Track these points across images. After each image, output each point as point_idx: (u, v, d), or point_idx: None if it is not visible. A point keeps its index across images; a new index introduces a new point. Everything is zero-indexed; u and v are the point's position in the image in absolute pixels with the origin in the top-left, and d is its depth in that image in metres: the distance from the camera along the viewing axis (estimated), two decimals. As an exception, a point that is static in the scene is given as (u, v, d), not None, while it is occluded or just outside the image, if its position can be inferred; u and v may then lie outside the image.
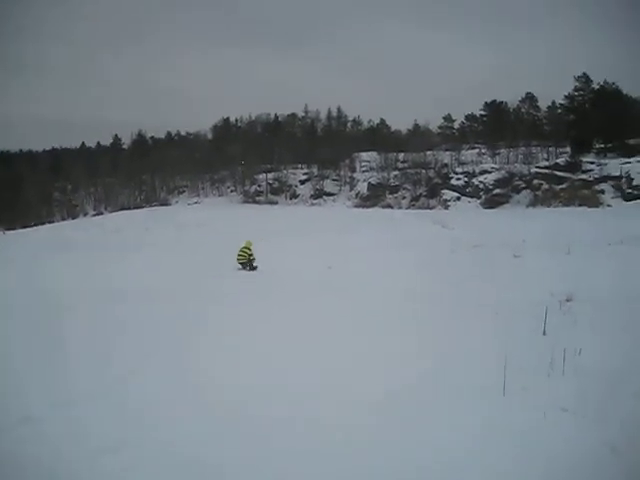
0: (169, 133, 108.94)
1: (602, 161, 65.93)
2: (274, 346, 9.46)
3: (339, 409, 6.50)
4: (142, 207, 77.97)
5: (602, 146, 70.05)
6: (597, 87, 78.21)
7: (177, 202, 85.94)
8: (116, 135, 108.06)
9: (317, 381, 7.53)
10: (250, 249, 23.07)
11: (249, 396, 6.96)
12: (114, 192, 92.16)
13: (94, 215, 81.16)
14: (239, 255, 22.84)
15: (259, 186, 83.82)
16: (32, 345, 9.58)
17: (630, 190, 60.08)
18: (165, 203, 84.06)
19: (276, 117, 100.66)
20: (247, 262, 22.72)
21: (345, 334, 10.25)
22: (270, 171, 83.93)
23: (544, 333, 9.47)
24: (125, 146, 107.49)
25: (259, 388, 7.24)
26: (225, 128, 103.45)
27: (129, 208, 76.56)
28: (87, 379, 7.77)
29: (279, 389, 7.21)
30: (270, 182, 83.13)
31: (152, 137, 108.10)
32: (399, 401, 6.69)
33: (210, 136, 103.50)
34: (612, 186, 62.05)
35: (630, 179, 60.56)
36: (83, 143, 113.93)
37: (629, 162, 62.77)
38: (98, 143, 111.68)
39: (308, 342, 9.71)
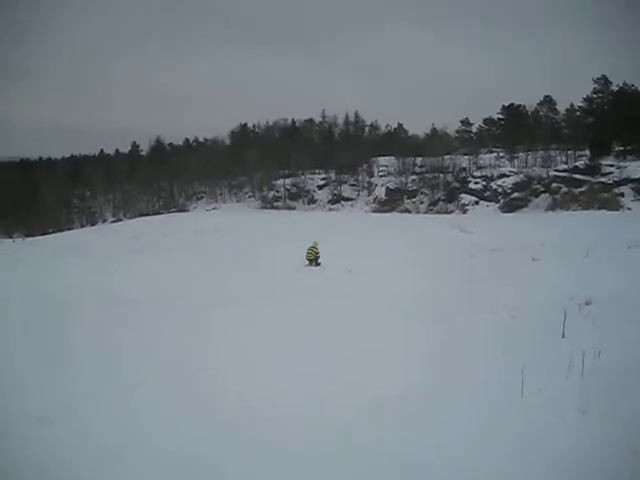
0: (187, 139, 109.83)
1: (622, 164, 65.43)
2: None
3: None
4: (160, 213, 78.46)
5: (622, 148, 69.50)
6: (616, 89, 77.81)
7: (195, 208, 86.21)
8: (134, 142, 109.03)
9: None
10: (317, 249, 25.79)
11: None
12: (133, 199, 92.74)
13: (113, 222, 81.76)
14: (308, 253, 25.70)
15: (277, 191, 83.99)
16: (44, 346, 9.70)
17: (651, 193, 59.63)
18: (183, 209, 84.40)
19: (293, 122, 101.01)
20: (314, 259, 25.59)
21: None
22: (288, 176, 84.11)
23: (563, 336, 9.42)
24: (143, 153, 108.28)
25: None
26: (243, 134, 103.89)
27: (148, 214, 77.02)
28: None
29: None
30: (288, 187, 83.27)
31: (170, 144, 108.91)
32: (421, 398, 6.72)
33: (228, 142, 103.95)
34: (632, 189, 61.56)
35: (651, 181, 60.10)
36: (102, 150, 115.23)
37: (649, 164, 62.34)
38: (117, 150, 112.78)
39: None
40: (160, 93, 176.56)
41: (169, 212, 79.80)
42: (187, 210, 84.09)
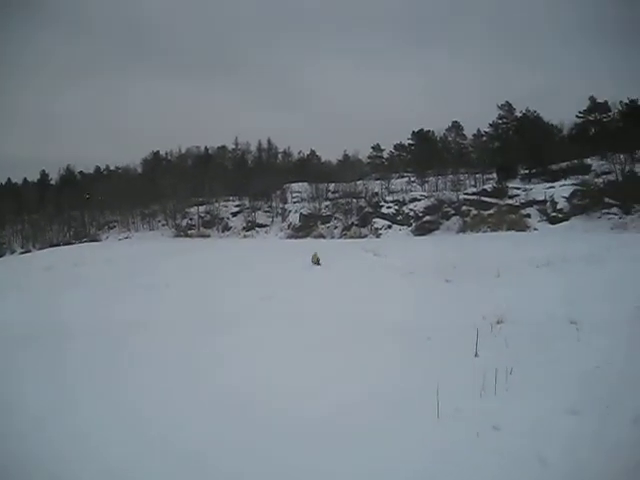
0: (98, 167, 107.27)
1: (527, 186, 67.56)
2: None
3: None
4: (72, 243, 76.44)
5: (527, 172, 71.83)
6: (519, 115, 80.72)
7: (107, 237, 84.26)
8: (43, 171, 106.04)
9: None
10: (317, 256, 34.48)
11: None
12: (42, 229, 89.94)
13: (22, 253, 79.11)
14: (313, 256, 34.54)
15: (191, 219, 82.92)
16: None
17: (555, 214, 61.61)
18: (95, 239, 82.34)
19: (206, 150, 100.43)
20: (317, 262, 34.03)
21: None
22: (201, 204, 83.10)
23: (476, 355, 9.47)
24: (53, 182, 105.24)
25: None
26: (155, 162, 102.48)
27: (58, 245, 74.94)
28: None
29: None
30: (202, 215, 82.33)
31: (81, 172, 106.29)
32: (338, 423, 6.54)
33: (140, 170, 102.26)
34: (538, 210, 63.52)
35: (554, 203, 62.15)
36: (9, 179, 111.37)
37: (553, 187, 64.48)
38: (25, 179, 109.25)
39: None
40: (69, 121, 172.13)
41: (80, 242, 77.73)
42: (99, 240, 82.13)
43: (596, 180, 62.69)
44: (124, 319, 16.65)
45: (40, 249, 73.28)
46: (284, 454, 6.12)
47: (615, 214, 58.67)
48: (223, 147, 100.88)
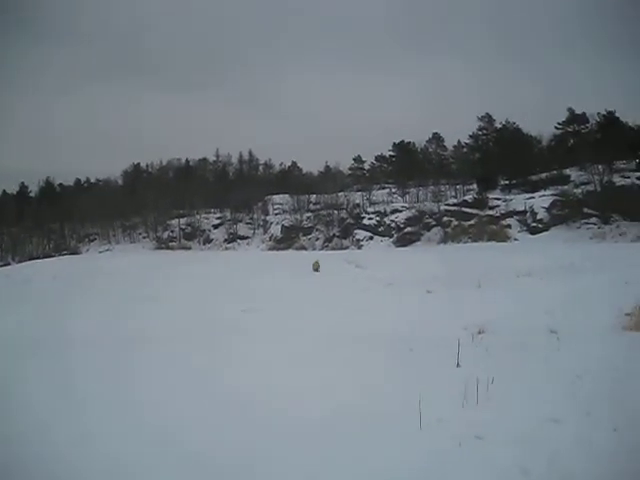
0: (78, 180, 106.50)
1: (507, 197, 68.05)
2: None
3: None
4: (52, 256, 75.68)
5: (507, 182, 72.29)
6: (499, 126, 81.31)
7: (88, 250, 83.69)
8: (22, 183, 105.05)
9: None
10: (318, 263, 39.94)
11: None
12: (21, 241, 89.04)
13: (1, 266, 78.33)
14: (314, 264, 39.87)
15: (172, 232, 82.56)
16: None
17: (535, 224, 62.09)
18: (75, 252, 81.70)
19: (187, 162, 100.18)
20: (317, 268, 39.36)
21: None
22: (183, 216, 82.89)
23: (458, 365, 9.51)
24: (33, 194, 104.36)
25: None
26: (136, 174, 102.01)
27: (38, 257, 74.22)
28: None
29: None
30: (183, 227, 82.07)
31: (61, 184, 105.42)
32: (321, 437, 6.54)
33: (121, 182, 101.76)
34: (518, 220, 64.00)
35: (534, 213, 62.64)
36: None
37: (533, 197, 65.02)
38: (4, 191, 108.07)
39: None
40: (49, 132, 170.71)
41: (60, 254, 77.05)
42: (79, 252, 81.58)
43: (575, 190, 63.30)
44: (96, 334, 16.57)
45: (19, 262, 72.53)
46: (270, 460, 6.11)
47: (594, 224, 59.25)
48: (204, 159, 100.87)
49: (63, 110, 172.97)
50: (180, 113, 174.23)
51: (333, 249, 67.06)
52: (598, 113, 72.76)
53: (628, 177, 62.12)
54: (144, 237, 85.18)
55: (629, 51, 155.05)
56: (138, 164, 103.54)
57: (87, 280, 35.79)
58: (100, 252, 79.87)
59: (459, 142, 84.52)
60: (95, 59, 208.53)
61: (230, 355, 12.35)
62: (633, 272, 24.19)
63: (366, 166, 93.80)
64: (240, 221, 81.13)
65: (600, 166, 63.00)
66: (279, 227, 76.48)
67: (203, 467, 6.10)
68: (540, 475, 5.38)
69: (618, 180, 61.84)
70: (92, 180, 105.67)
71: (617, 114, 70.99)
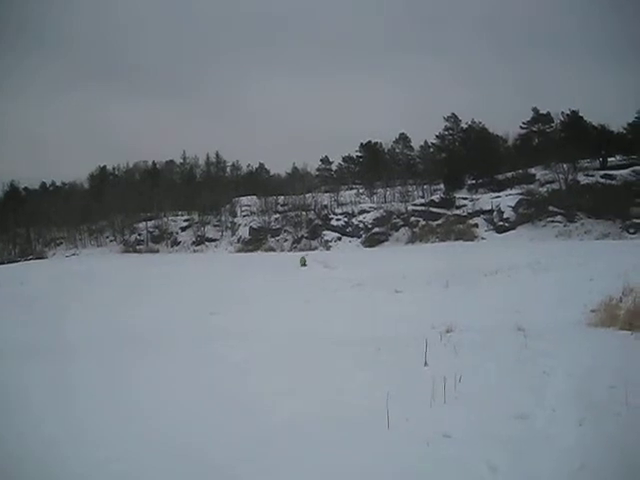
0: (44, 183, 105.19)
1: (474, 196, 68.75)
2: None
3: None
4: (17, 261, 74.91)
5: (473, 182, 72.99)
6: (465, 126, 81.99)
7: (54, 254, 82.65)
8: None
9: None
10: (305, 259, 45.63)
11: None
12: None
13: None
14: (301, 259, 45.47)
15: (139, 235, 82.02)
16: None
17: (501, 223, 62.79)
18: (41, 256, 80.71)
19: (154, 164, 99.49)
20: (304, 263, 44.00)
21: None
22: (150, 219, 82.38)
23: (425, 364, 9.49)
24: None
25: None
26: (102, 177, 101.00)
27: (3, 263, 73.23)
28: None
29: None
30: (150, 230, 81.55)
31: (26, 188, 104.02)
32: (286, 439, 6.47)
33: (87, 185, 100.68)
34: (485, 220, 64.67)
35: (501, 212, 63.32)
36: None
37: (499, 196, 65.78)
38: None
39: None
40: (13, 135, 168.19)
41: (26, 259, 76.24)
42: (45, 257, 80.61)
43: (541, 189, 64.16)
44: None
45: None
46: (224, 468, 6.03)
47: (559, 222, 60.05)
48: (171, 161, 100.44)
49: (26, 113, 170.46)
50: (147, 116, 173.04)
51: (302, 250, 67.05)
52: (562, 112, 73.81)
53: (592, 175, 63.08)
54: (111, 241, 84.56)
55: (593, 52, 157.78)
56: (104, 167, 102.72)
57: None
58: (67, 256, 79.00)
59: (426, 142, 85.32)
60: (60, 63, 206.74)
61: (192, 356, 12.22)
62: (598, 269, 24.51)
63: (334, 167, 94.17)
64: (208, 223, 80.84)
65: (565, 165, 63.94)
66: (247, 229, 76.38)
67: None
68: (507, 471, 5.38)
69: (582, 179, 62.80)
70: (58, 183, 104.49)
71: (581, 113, 72.00)
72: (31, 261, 72.79)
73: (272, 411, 7.66)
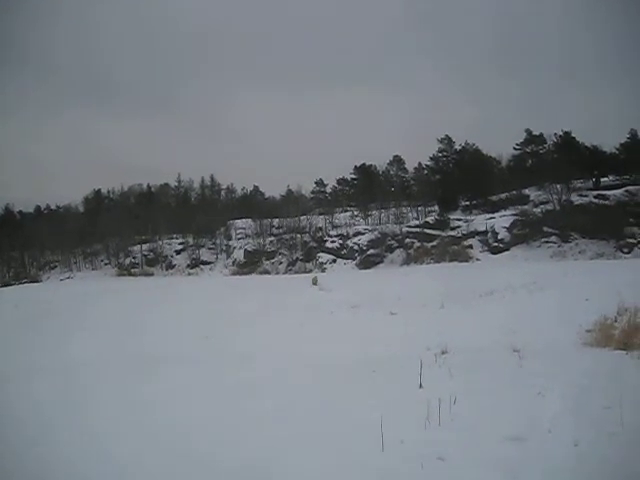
0: (38, 207, 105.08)
1: (468, 217, 68.87)
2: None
3: None
4: (11, 284, 74.70)
5: (467, 203, 73.15)
6: (459, 148, 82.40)
7: (49, 278, 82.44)
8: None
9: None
10: (317, 278, 46.62)
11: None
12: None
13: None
14: (312, 279, 46.21)
15: (134, 258, 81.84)
16: None
17: (496, 243, 62.84)
18: (35, 280, 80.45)
19: (149, 188, 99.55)
20: (315, 282, 44.55)
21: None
22: (145, 242, 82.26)
23: (420, 386, 9.47)
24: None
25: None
26: (97, 200, 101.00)
27: (-3, 286, 73.03)
28: None
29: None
30: (145, 253, 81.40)
31: (20, 211, 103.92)
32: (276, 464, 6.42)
33: (82, 209, 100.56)
34: (479, 241, 64.73)
35: (495, 233, 63.41)
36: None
37: (493, 217, 65.92)
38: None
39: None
40: (7, 159, 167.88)
41: (20, 283, 76.03)
42: (40, 280, 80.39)
43: (535, 210, 64.33)
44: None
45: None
46: None
47: (554, 242, 60.17)
48: (166, 185, 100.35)
49: (19, 135, 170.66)
50: (142, 139, 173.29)
51: (297, 272, 67.05)
52: (555, 134, 74.20)
53: (586, 196, 63.28)
54: (106, 264, 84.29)
55: (586, 73, 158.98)
56: (99, 190, 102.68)
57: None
58: (61, 280, 78.83)
59: (420, 164, 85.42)
60: (51, 87, 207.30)
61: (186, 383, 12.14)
62: (593, 289, 24.51)
63: (328, 189, 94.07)
64: (203, 246, 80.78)
65: (558, 185, 64.19)
66: (242, 252, 76.35)
67: None
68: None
69: (576, 199, 63.00)
70: (52, 207, 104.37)
71: (573, 134, 72.43)
72: (25, 285, 72.57)
73: (267, 431, 7.63)
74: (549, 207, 63.97)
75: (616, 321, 14.86)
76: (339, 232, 73.90)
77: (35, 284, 73.45)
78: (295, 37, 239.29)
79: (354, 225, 75.87)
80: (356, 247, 70.02)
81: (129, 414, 9.38)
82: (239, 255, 76.43)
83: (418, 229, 69.74)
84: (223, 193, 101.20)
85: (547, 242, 60.73)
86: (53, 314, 32.01)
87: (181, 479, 6.36)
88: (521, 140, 78.26)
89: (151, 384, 11.93)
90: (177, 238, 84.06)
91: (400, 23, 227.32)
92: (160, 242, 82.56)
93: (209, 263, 79.00)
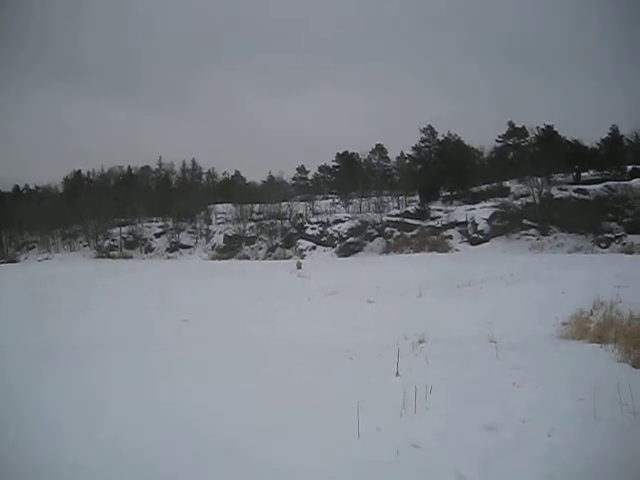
0: (17, 187, 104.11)
1: (449, 208, 69.18)
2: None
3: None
4: (-12, 264, 74.34)
5: (448, 194, 73.36)
6: (441, 139, 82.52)
7: (26, 258, 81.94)
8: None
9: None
10: (300, 263, 49.13)
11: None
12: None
13: None
14: (297, 264, 48.28)
15: (113, 240, 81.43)
16: None
17: (475, 235, 63.09)
18: (13, 260, 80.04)
19: (129, 170, 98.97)
20: (299, 266, 46.75)
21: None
22: (124, 225, 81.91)
23: (397, 374, 9.49)
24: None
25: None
26: (76, 181, 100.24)
27: (-26, 266, 72.47)
28: None
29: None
30: (124, 236, 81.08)
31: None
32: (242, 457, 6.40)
33: (61, 190, 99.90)
34: (459, 231, 64.98)
35: (475, 224, 63.64)
36: None
37: (473, 209, 66.16)
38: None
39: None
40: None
41: (-1, 263, 75.62)
42: (17, 260, 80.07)
43: (515, 202, 64.67)
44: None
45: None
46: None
47: (533, 235, 60.55)
48: (147, 167, 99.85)
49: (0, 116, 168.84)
50: (123, 122, 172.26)
51: (276, 259, 67.11)
52: (537, 127, 74.54)
53: (566, 190, 63.63)
54: (85, 245, 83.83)
55: (569, 68, 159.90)
56: (79, 171, 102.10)
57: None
58: (39, 260, 78.32)
59: (402, 153, 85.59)
60: (35, 66, 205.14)
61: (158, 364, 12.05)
62: (569, 282, 24.71)
63: (310, 176, 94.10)
64: (183, 230, 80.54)
65: (539, 179, 64.50)
66: (222, 236, 76.15)
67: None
68: (478, 480, 5.43)
69: (556, 193, 63.33)
70: (32, 187, 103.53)
71: (555, 128, 72.79)
72: (2, 265, 72.12)
73: (241, 418, 7.61)
74: (529, 200, 64.32)
75: (592, 315, 15.02)
76: (319, 219, 73.91)
77: (13, 264, 73.07)
78: (280, 26, 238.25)
79: (335, 213, 75.93)
80: (336, 235, 70.05)
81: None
82: (219, 240, 76.21)
83: (398, 218, 69.88)
84: (204, 177, 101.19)
85: (526, 235, 61.10)
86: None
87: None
88: (503, 132, 78.69)
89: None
90: (157, 221, 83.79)
91: (395, 22, 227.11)
92: (140, 225, 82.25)
93: (189, 247, 78.78)
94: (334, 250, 68.78)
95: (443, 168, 72.63)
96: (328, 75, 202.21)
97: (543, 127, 73.90)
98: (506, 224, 62.53)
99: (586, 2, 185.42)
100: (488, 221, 63.40)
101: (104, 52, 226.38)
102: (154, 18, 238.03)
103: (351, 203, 78.88)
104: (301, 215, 76.60)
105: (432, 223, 67.38)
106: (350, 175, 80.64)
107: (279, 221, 75.72)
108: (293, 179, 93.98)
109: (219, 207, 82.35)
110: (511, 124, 77.70)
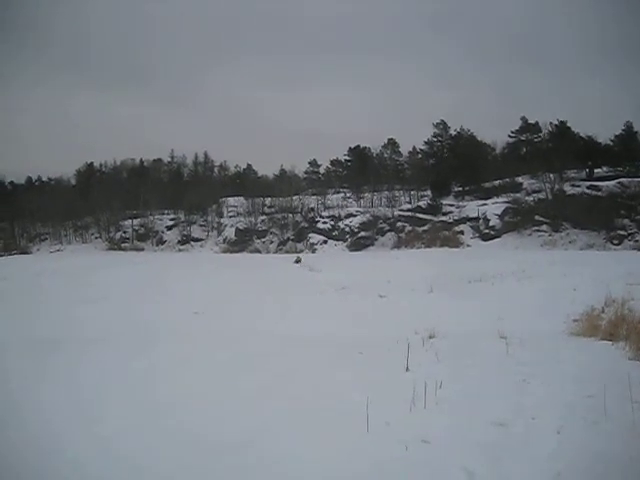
0: (30, 178, 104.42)
1: (461, 203, 68.92)
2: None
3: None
4: (1, 256, 74.52)
5: (460, 189, 73.13)
6: (454, 134, 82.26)
7: (39, 250, 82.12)
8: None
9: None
10: (300, 257, 50.78)
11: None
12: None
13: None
14: (296, 258, 49.91)
15: (124, 232, 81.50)
16: None
17: (487, 230, 62.92)
18: (25, 251, 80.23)
19: (142, 162, 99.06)
20: (298, 260, 48.28)
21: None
22: (136, 217, 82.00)
23: (407, 369, 9.49)
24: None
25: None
26: (89, 173, 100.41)
27: (-14, 257, 72.77)
28: None
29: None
30: (136, 228, 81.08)
31: (12, 182, 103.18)
32: (263, 445, 6.42)
33: (73, 181, 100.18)
34: (471, 227, 64.79)
35: (487, 220, 63.45)
36: None
37: (485, 204, 65.91)
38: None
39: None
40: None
41: (10, 254, 75.67)
42: (29, 252, 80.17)
43: (527, 198, 64.39)
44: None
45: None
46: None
47: (545, 231, 60.28)
48: (159, 160, 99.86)
49: (14, 108, 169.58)
50: (136, 114, 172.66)
51: (287, 252, 67.00)
52: (550, 123, 74.23)
53: (578, 186, 63.35)
54: (96, 237, 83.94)
55: (583, 64, 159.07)
56: (91, 164, 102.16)
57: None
58: (51, 252, 78.57)
59: (414, 148, 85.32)
60: (46, 60, 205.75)
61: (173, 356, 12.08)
62: (581, 279, 24.64)
63: (321, 170, 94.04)
64: (194, 223, 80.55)
65: (551, 175, 64.18)
66: (233, 230, 76.14)
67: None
68: (484, 477, 5.41)
69: (569, 189, 63.06)
70: (44, 179, 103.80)
71: (569, 124, 72.46)
72: (14, 256, 72.38)
73: (250, 411, 7.63)
74: (541, 196, 64.05)
75: (603, 312, 14.98)
76: (331, 213, 73.84)
77: (25, 255, 73.39)
78: (290, 20, 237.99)
79: (346, 207, 75.78)
80: (347, 229, 69.98)
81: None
82: (230, 233, 76.23)
83: (410, 213, 69.79)
84: (216, 170, 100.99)
85: (538, 231, 60.87)
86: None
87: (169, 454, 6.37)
88: (516, 128, 78.39)
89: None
90: (168, 214, 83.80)
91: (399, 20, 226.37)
92: (151, 217, 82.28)
93: (200, 240, 78.78)
94: (345, 244, 68.73)
95: (455, 163, 72.49)
96: (342, 72, 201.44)
97: (556, 123, 73.70)
98: (518, 220, 62.34)
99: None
100: (500, 217, 63.21)
101: (114, 45, 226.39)
102: (173, 6, 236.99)
103: (363, 197, 78.74)
104: (312, 209, 76.50)
105: (444, 218, 67.20)
106: (362, 169, 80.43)
107: (290, 215, 75.60)
108: (305, 173, 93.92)
109: (231, 200, 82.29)
110: (524, 119, 77.49)
